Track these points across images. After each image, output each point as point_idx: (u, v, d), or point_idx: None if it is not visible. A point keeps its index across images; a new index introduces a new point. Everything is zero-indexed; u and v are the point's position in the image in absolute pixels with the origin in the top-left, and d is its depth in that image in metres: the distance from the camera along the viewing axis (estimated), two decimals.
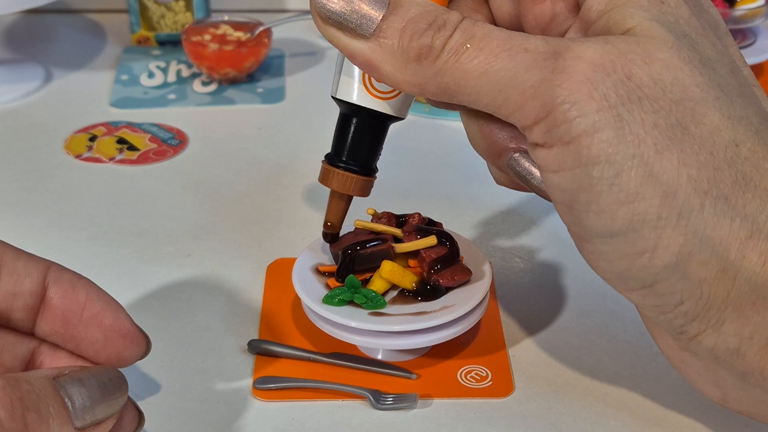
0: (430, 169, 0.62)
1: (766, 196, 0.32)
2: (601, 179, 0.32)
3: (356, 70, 0.39)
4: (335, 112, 0.41)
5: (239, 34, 0.73)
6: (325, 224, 0.44)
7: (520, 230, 0.55)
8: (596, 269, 0.35)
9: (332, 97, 0.41)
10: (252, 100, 0.71)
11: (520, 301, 0.49)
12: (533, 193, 0.38)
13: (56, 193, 0.59)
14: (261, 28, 0.73)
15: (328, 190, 0.43)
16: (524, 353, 0.45)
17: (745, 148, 0.32)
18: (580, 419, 0.41)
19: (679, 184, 0.32)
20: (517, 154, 0.37)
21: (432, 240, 0.44)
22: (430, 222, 0.46)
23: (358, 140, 0.41)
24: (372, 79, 0.39)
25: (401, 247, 0.44)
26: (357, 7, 0.35)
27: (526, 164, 0.37)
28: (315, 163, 0.62)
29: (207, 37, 0.72)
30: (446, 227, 0.46)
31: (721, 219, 0.32)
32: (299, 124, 0.68)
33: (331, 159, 0.42)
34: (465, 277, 0.44)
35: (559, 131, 0.32)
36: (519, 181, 0.38)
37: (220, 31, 0.73)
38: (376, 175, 0.42)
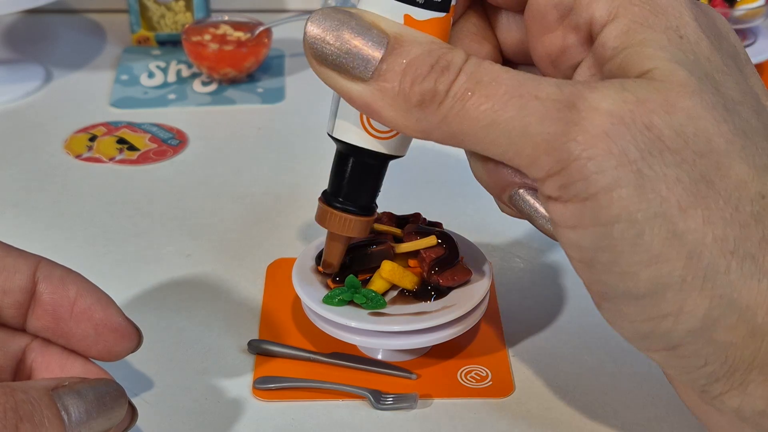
0: (430, 169, 0.62)
1: None
2: (623, 239, 0.30)
3: (354, 109, 0.36)
4: None
5: (239, 34, 0.73)
6: (323, 264, 0.42)
7: (520, 230, 0.55)
8: (616, 328, 0.33)
9: (329, 134, 0.38)
10: (252, 100, 0.71)
11: (520, 301, 0.49)
12: None
13: (56, 193, 0.59)
14: (261, 28, 0.73)
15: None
16: (524, 353, 0.45)
17: None
18: (580, 419, 0.41)
19: (705, 245, 0.30)
20: (522, 190, 0.35)
21: (432, 240, 0.44)
22: (430, 222, 0.46)
23: (357, 180, 0.39)
24: (371, 119, 0.36)
25: (401, 247, 0.44)
26: (354, 47, 0.32)
27: (531, 201, 0.35)
28: (315, 164, 0.62)
29: (207, 37, 0.72)
30: (446, 227, 0.46)
31: (748, 281, 0.30)
32: (299, 124, 0.68)
33: (328, 198, 0.39)
34: (465, 277, 0.44)
35: (576, 187, 0.30)
36: (523, 217, 0.36)
37: (220, 31, 0.73)
38: (377, 212, 0.40)
